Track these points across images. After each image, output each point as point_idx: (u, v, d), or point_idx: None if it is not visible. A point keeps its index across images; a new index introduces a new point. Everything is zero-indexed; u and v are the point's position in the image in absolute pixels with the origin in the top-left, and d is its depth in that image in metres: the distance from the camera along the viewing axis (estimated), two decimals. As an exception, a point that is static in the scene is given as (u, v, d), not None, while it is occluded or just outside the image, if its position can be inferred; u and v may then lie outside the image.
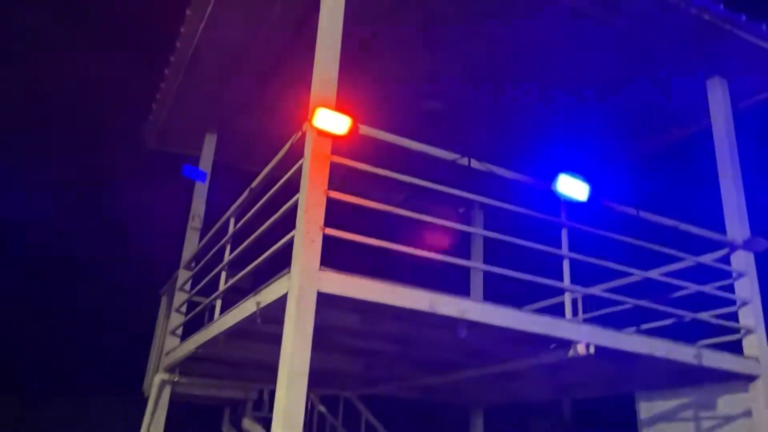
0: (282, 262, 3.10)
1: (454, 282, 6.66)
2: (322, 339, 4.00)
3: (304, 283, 2.83)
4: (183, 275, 5.32)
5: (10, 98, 7.72)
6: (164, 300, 6.06)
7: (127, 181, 7.97)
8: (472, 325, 3.24)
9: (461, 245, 6.53)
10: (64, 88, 7.95)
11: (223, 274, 4.15)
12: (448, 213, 6.46)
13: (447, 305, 3.12)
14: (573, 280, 3.80)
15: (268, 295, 3.14)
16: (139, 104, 6.03)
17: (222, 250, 4.23)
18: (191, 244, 5.50)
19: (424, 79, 5.12)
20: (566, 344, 3.49)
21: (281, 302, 2.92)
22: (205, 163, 5.76)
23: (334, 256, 3.10)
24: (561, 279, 3.69)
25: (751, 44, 4.42)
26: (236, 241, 4.06)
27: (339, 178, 3.22)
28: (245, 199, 4.00)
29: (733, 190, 4.47)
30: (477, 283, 6.52)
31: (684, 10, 4.14)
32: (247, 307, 3.39)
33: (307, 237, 2.91)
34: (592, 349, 3.49)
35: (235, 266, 3.91)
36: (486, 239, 6.47)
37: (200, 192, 5.74)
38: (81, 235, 8.21)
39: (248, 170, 6.10)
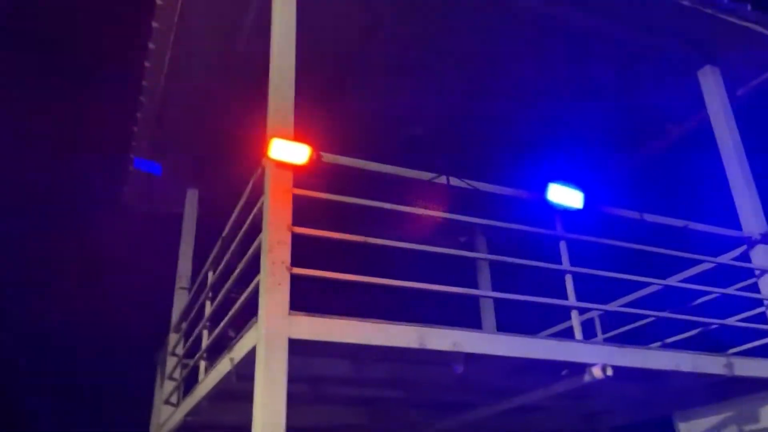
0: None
1: (466, 316, 6.32)
2: (316, 392, 3.74)
3: (271, 331, 2.54)
4: (173, 339, 5.04)
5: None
6: (159, 367, 5.76)
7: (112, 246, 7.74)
8: (470, 358, 2.91)
9: (467, 275, 6.21)
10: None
11: (205, 333, 3.87)
12: (450, 242, 6.16)
13: (438, 339, 2.81)
14: (587, 299, 3.49)
15: (240, 349, 2.85)
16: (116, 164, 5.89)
17: (203, 306, 3.96)
18: (180, 306, 5.23)
19: (403, 104, 4.92)
20: (580, 368, 3.13)
21: (253, 355, 2.63)
22: (189, 221, 5.55)
23: (325, 295, 2.83)
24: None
25: (737, 26, 4.19)
26: (217, 295, 3.80)
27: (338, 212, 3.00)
28: (219, 250, 3.75)
29: (743, 183, 4.18)
30: (488, 314, 6.17)
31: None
32: (224, 366, 3.10)
33: (273, 280, 2.64)
34: (609, 371, 3.12)
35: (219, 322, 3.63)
36: (493, 267, 6.17)
37: (186, 251, 5.51)
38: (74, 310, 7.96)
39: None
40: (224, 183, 5.55)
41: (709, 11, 4.04)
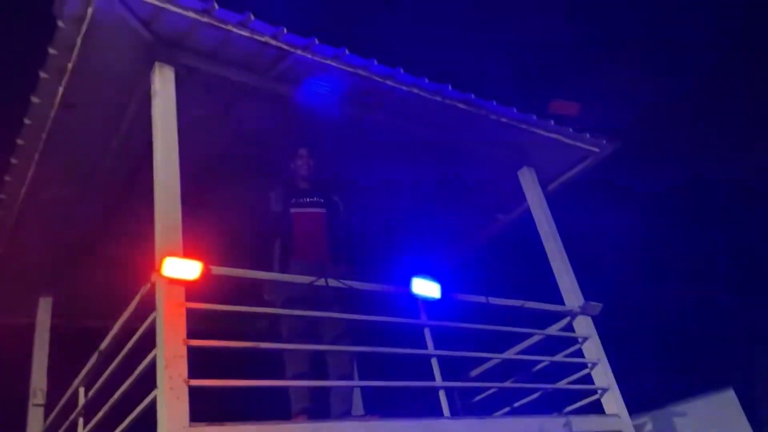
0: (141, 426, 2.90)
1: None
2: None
3: (175, 445, 2.65)
4: (29, 463, 4.69)
5: None
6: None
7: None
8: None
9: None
10: None
11: (79, 454, 3.73)
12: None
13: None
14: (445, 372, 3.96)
15: (137, 465, 2.88)
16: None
17: (74, 425, 3.82)
18: (35, 426, 4.89)
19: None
20: (450, 443, 3.55)
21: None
22: (42, 331, 5.27)
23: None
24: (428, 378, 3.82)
25: (545, 136, 5.12)
26: (90, 412, 3.71)
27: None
28: (95, 364, 3.71)
29: (560, 263, 4.98)
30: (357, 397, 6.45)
31: (485, 116, 4.74)
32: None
33: (171, 394, 2.76)
34: (475, 442, 3.58)
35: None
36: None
37: (40, 362, 5.20)
38: None
39: (94, 328, 5.70)
40: (81, 291, 5.44)
41: (523, 126, 4.93)
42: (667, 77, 9.67)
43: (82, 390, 3.85)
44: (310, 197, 4.50)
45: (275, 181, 4.56)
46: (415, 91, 4.36)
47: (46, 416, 4.86)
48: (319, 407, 4.01)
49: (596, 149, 5.42)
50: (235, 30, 3.60)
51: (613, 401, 4.40)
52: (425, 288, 3.91)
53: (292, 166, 4.57)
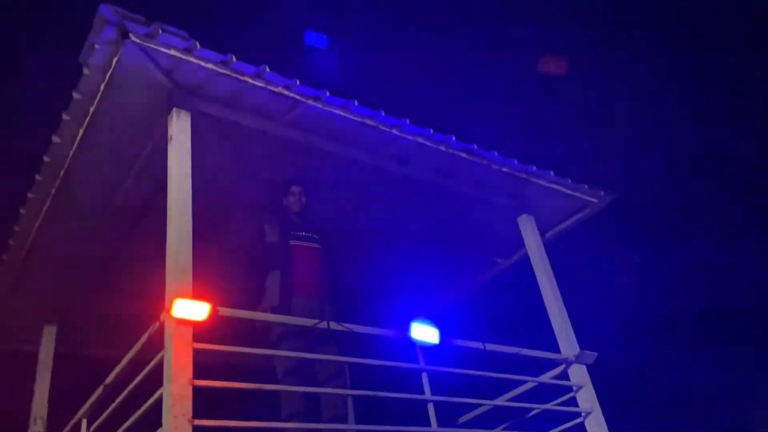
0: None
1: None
2: None
3: (178, 484, 2.73)
4: (25, 492, 4.73)
5: None
6: None
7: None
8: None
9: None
10: None
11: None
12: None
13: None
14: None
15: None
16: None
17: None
18: (34, 453, 4.95)
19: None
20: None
21: None
22: (45, 358, 5.35)
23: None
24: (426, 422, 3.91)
25: (543, 186, 5.27)
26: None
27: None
28: (100, 397, 3.79)
29: (557, 311, 5.07)
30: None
31: (487, 165, 4.90)
32: None
33: (176, 432, 2.85)
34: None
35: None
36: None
37: (41, 390, 5.27)
38: None
39: (97, 358, 5.78)
40: (87, 321, 5.54)
41: (524, 176, 5.09)
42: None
43: (84, 422, 3.92)
44: (305, 231, 4.62)
45: (267, 213, 4.68)
46: (420, 140, 4.53)
47: (45, 446, 4.92)
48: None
49: (594, 200, 5.57)
50: (250, 81, 3.78)
51: (605, 451, 4.47)
52: (424, 333, 4.01)
53: (284, 203, 4.69)
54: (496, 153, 4.85)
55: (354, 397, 4.94)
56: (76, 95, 3.61)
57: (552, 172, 5.19)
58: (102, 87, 3.57)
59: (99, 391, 3.80)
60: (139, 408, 3.19)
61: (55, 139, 3.85)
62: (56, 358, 5.43)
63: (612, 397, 4.83)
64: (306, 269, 4.46)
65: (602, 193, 5.53)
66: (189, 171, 3.61)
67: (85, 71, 3.49)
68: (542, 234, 5.58)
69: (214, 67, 3.63)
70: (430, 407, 3.92)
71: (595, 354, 4.81)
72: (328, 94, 4.01)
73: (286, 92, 3.90)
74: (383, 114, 4.27)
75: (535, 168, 5.09)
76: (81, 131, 3.80)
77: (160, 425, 2.96)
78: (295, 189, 4.67)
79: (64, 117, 3.72)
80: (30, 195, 4.20)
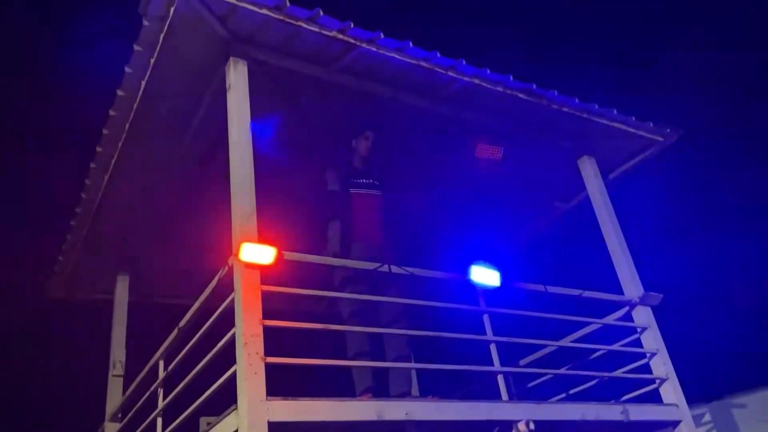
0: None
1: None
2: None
3: (253, 417, 2.86)
4: (110, 428, 5.06)
5: None
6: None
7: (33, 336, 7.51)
8: (420, 424, 3.35)
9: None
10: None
11: (159, 421, 4.02)
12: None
13: (393, 410, 3.24)
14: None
15: (216, 434, 3.12)
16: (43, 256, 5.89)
17: (154, 396, 4.12)
18: (115, 395, 5.26)
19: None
20: (509, 425, 3.66)
21: (232, 439, 2.92)
22: (120, 307, 5.64)
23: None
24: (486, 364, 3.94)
25: (606, 125, 5.09)
26: (168, 384, 3.99)
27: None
28: (174, 339, 3.97)
29: (620, 253, 4.97)
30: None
31: (546, 105, 4.76)
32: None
33: (250, 369, 2.97)
34: (532, 425, 3.68)
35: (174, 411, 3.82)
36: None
37: (118, 336, 5.56)
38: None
39: (167, 304, 6.06)
40: (156, 270, 5.77)
41: (585, 115, 4.93)
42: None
43: (161, 363, 4.13)
44: (366, 179, 4.62)
45: (329, 161, 4.69)
46: (477, 81, 4.43)
47: (125, 387, 5.22)
48: (380, 387, 4.19)
49: (660, 138, 5.35)
50: (304, 25, 3.75)
51: (672, 391, 4.41)
52: (484, 276, 4.00)
53: (354, 145, 4.67)
54: (555, 92, 4.70)
55: (416, 341, 5.00)
56: (136, 47, 3.67)
57: (615, 110, 5.00)
58: (161, 37, 3.61)
59: (174, 334, 3.97)
60: (212, 349, 3.33)
61: (120, 92, 3.95)
62: (130, 306, 5.71)
63: (678, 334, 4.74)
64: (366, 217, 4.48)
65: (668, 130, 5.30)
66: (248, 118, 3.66)
67: (145, 22, 3.53)
68: (604, 176, 5.42)
69: (269, 13, 3.62)
70: (493, 348, 3.93)
71: (660, 295, 4.71)
72: (382, 36, 3.94)
73: (339, 36, 3.86)
74: (439, 55, 4.18)
75: (596, 106, 4.91)
76: (143, 83, 3.88)
77: (230, 366, 3.10)
78: (369, 134, 4.64)
79: (127, 70, 3.80)
80: (98, 148, 4.34)
